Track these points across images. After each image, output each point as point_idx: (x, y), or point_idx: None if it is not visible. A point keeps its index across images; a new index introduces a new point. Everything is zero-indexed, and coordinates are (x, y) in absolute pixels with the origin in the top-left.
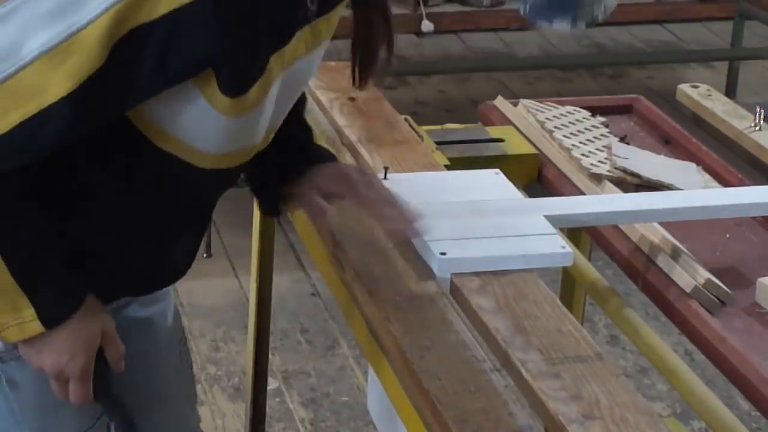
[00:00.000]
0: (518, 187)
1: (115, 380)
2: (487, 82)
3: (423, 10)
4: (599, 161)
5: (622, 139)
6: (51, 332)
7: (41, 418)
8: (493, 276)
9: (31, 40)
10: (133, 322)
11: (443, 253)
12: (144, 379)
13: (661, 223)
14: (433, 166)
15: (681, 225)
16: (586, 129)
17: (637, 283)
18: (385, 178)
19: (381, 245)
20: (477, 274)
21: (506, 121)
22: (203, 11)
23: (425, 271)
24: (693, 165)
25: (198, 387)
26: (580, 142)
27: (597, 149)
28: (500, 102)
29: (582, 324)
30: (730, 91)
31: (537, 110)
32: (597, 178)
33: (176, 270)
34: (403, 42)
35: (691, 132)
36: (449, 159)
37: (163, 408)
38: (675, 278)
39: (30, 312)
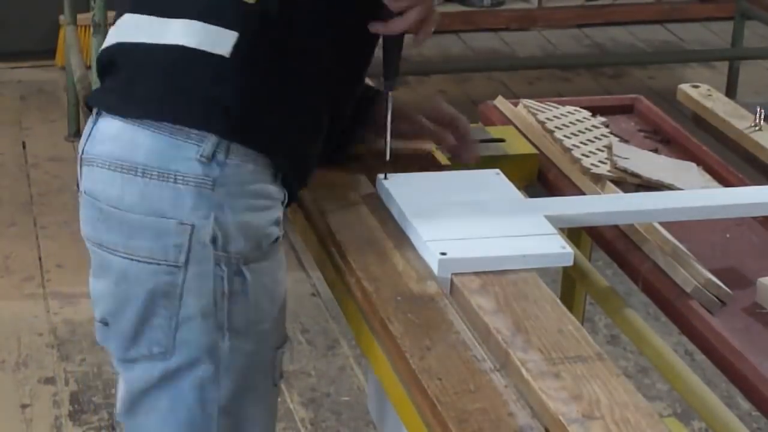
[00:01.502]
0: (518, 187)
1: None
2: (487, 82)
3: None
4: (599, 161)
5: (622, 139)
6: None
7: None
8: (494, 276)
9: None
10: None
11: (443, 253)
12: None
13: (661, 223)
14: (433, 166)
15: (681, 225)
16: (586, 129)
17: (637, 283)
18: (386, 178)
19: (381, 245)
20: (477, 274)
21: (506, 121)
22: None
23: (425, 271)
24: (693, 165)
25: None
26: (581, 142)
27: (597, 149)
28: (500, 102)
29: (582, 324)
30: (731, 91)
31: (537, 110)
32: (597, 178)
33: (314, 160)
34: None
35: (691, 132)
36: (449, 159)
37: None
38: (675, 278)
39: None
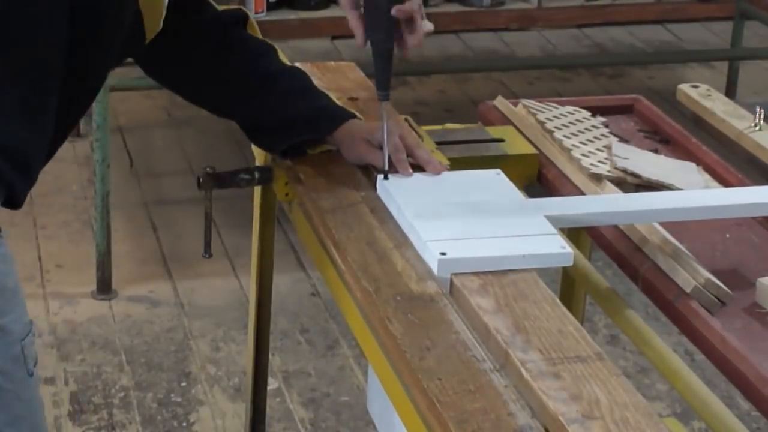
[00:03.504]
0: (518, 187)
1: None
2: (487, 82)
3: (423, 10)
4: (599, 161)
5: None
6: None
7: None
8: (493, 276)
9: None
10: None
11: (443, 253)
12: None
13: (661, 223)
14: None
15: (681, 225)
16: (586, 129)
17: (637, 283)
18: (386, 178)
19: (381, 245)
20: (477, 274)
21: (506, 121)
22: None
23: (425, 271)
24: (693, 165)
25: (198, 387)
26: (580, 142)
27: (597, 149)
28: (500, 102)
29: (582, 324)
30: (730, 91)
31: (537, 110)
32: (597, 178)
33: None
34: None
35: (691, 132)
36: (449, 159)
37: None
38: (675, 278)
39: None
